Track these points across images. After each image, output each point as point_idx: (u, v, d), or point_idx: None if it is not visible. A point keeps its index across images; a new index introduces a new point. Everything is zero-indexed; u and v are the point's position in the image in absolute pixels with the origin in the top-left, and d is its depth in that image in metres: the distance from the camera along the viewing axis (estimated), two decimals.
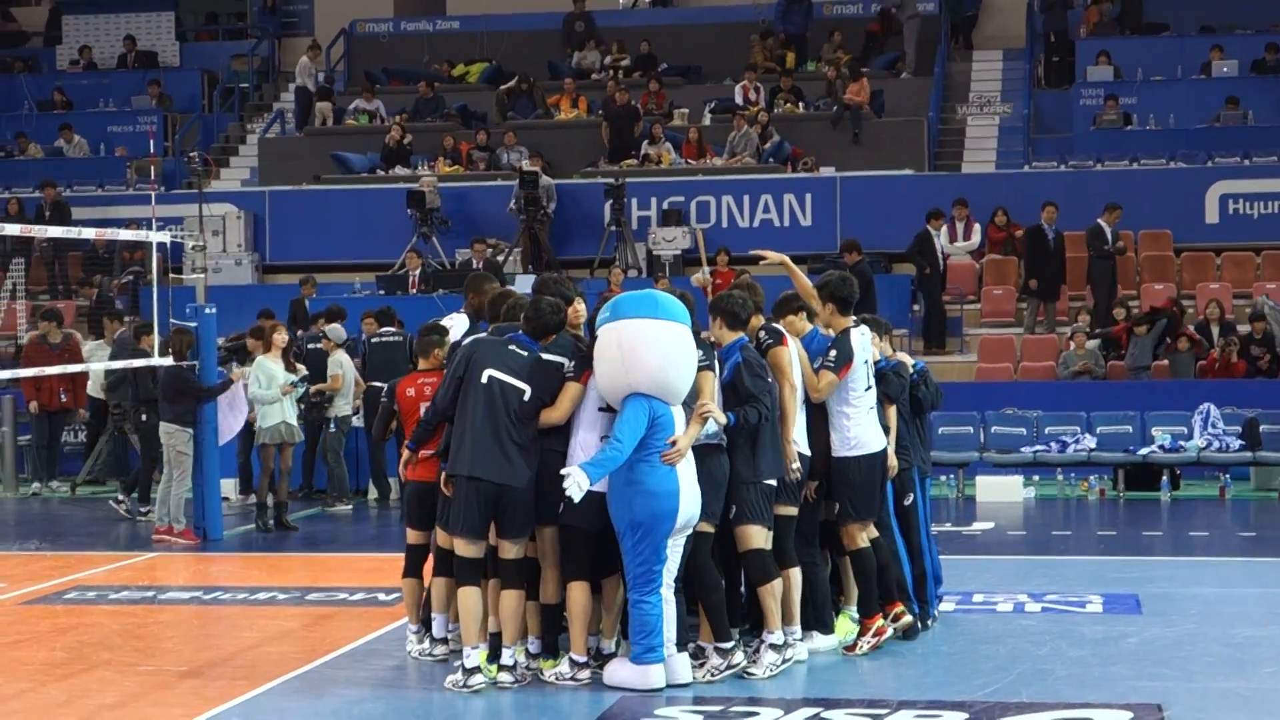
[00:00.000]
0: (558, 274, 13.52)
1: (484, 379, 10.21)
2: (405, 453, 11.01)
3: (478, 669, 10.21)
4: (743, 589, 11.04)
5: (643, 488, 9.87)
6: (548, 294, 10.67)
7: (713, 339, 10.67)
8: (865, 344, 11.24)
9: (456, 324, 11.67)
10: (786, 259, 12.06)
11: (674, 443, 9.94)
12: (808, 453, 10.90)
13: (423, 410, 11.08)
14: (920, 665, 10.92)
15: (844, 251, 24.39)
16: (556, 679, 10.34)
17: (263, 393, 18.04)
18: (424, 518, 11.14)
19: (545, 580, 10.49)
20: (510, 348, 10.34)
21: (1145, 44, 31.78)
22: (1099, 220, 24.86)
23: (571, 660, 10.35)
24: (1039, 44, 32.26)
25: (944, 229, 25.98)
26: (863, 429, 11.13)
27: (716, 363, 10.46)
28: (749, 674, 10.38)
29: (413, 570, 11.32)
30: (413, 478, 11.08)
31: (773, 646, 10.50)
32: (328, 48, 34.33)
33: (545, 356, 10.31)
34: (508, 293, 11.25)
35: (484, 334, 10.77)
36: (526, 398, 10.22)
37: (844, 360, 10.97)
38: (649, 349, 9.95)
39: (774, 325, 10.98)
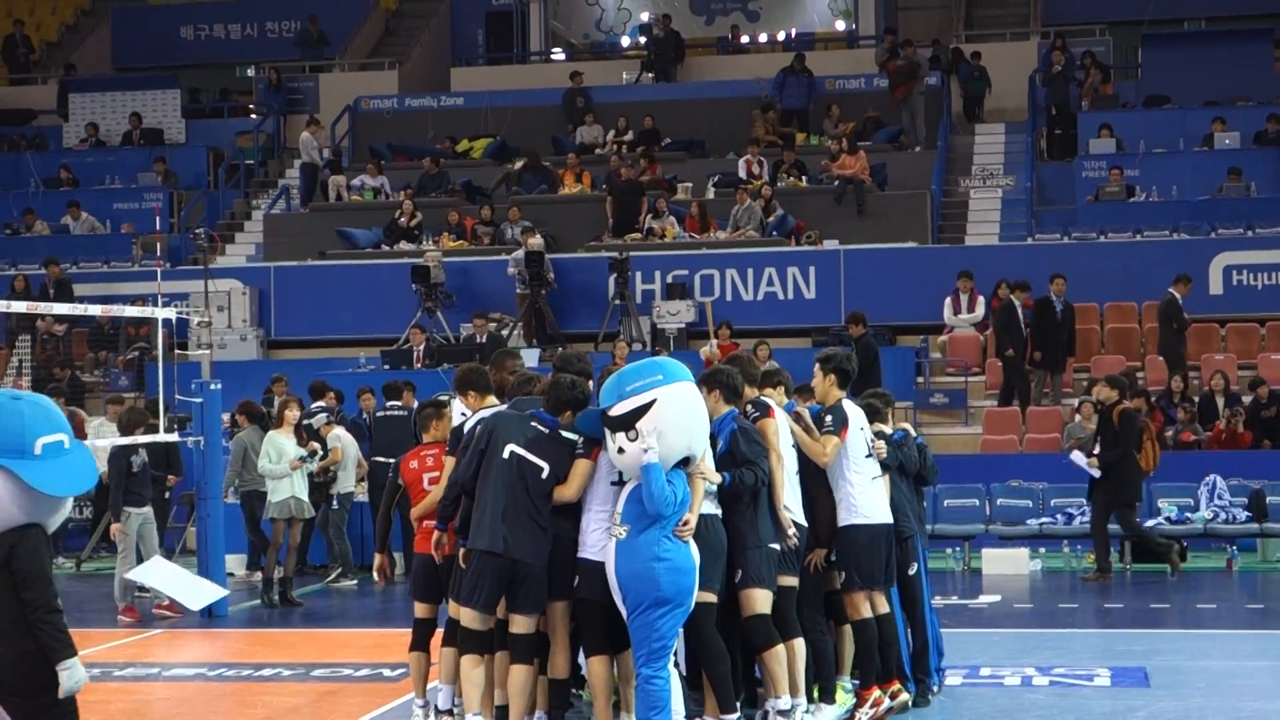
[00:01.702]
0: (577, 352, 13.46)
1: (505, 454, 10.21)
2: (435, 533, 10.92)
3: None
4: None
5: (671, 564, 9.83)
6: (569, 372, 10.71)
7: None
8: (858, 413, 11.31)
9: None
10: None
11: (686, 522, 9.94)
12: (804, 522, 10.92)
13: (426, 482, 11.13)
14: None
15: (850, 324, 24.39)
16: None
17: (272, 467, 18.06)
18: (432, 591, 11.12)
19: (554, 655, 10.47)
20: (531, 423, 10.35)
21: (1147, 116, 31.93)
22: (1171, 291, 24.87)
23: None
24: (1041, 117, 32.42)
25: (949, 300, 26.13)
26: (867, 497, 11.17)
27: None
28: None
29: (420, 644, 11.29)
30: (422, 551, 11.06)
31: (780, 713, 10.48)
32: (332, 124, 34.52)
33: (563, 434, 10.33)
34: (511, 367, 11.31)
35: (505, 408, 10.78)
36: (545, 475, 10.21)
37: (841, 424, 11.06)
38: (704, 411, 10.15)
39: (762, 399, 11.02)
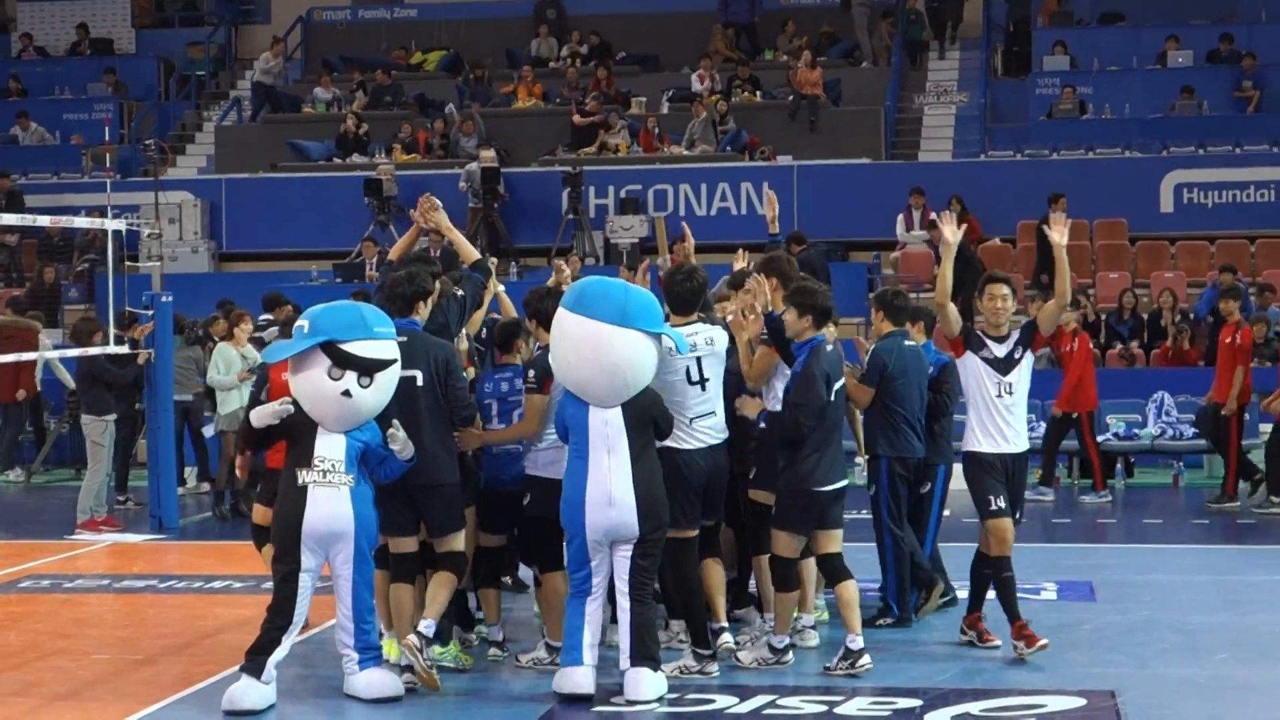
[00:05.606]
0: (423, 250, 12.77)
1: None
2: None
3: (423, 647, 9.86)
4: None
5: (563, 492, 9.78)
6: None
7: (791, 328, 10.46)
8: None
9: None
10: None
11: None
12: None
13: None
14: (874, 653, 10.90)
15: (790, 243, 24.10)
16: (534, 664, 10.42)
17: (222, 379, 18.02)
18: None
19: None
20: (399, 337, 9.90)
21: (1101, 34, 31.89)
22: None
23: (548, 646, 10.41)
24: (996, 34, 32.37)
25: (901, 217, 26.13)
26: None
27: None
28: (738, 659, 10.46)
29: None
30: None
31: (771, 648, 10.52)
32: (285, 34, 34.23)
33: (423, 331, 10.05)
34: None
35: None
36: (420, 382, 9.88)
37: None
38: (622, 361, 9.59)
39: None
